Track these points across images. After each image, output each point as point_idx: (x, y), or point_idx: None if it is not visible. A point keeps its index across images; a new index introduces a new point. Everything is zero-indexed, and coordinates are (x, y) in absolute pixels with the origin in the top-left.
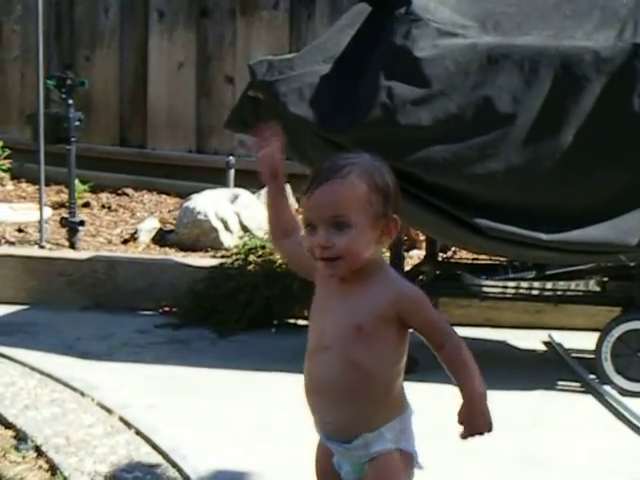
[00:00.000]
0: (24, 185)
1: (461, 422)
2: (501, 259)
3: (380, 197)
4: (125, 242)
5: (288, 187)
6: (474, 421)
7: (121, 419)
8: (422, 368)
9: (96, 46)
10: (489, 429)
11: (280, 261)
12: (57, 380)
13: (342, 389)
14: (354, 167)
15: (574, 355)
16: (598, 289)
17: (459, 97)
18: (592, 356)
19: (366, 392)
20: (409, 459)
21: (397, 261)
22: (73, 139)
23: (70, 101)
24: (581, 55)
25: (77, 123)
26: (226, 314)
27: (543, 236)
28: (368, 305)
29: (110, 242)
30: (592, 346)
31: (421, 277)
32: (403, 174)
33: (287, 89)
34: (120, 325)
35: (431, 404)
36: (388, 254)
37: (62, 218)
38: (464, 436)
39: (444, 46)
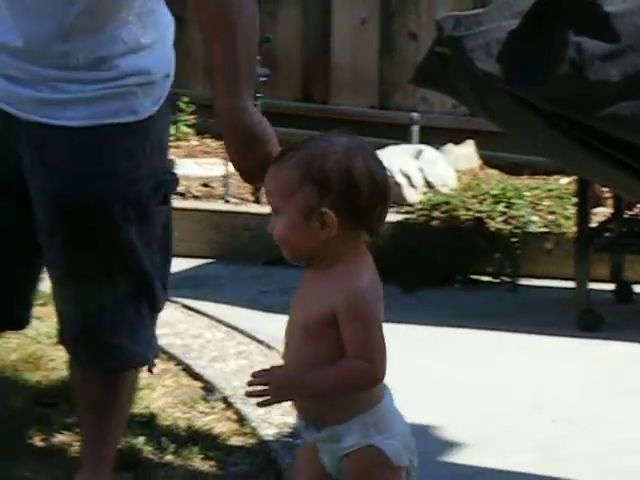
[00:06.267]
0: (208, 140)
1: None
2: None
3: (315, 188)
4: None
5: (472, 143)
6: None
7: None
8: (608, 326)
9: (280, 2)
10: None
11: (465, 217)
12: (243, 333)
13: None
14: (298, 153)
15: None
16: None
17: None
18: None
19: None
20: (385, 457)
21: (582, 219)
22: (259, 95)
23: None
24: None
25: (263, 79)
26: (410, 270)
27: None
28: (316, 304)
29: None
30: None
31: (607, 235)
32: (591, 130)
33: (474, 45)
34: None
35: (617, 363)
36: (574, 211)
37: None
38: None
39: (634, 1)
